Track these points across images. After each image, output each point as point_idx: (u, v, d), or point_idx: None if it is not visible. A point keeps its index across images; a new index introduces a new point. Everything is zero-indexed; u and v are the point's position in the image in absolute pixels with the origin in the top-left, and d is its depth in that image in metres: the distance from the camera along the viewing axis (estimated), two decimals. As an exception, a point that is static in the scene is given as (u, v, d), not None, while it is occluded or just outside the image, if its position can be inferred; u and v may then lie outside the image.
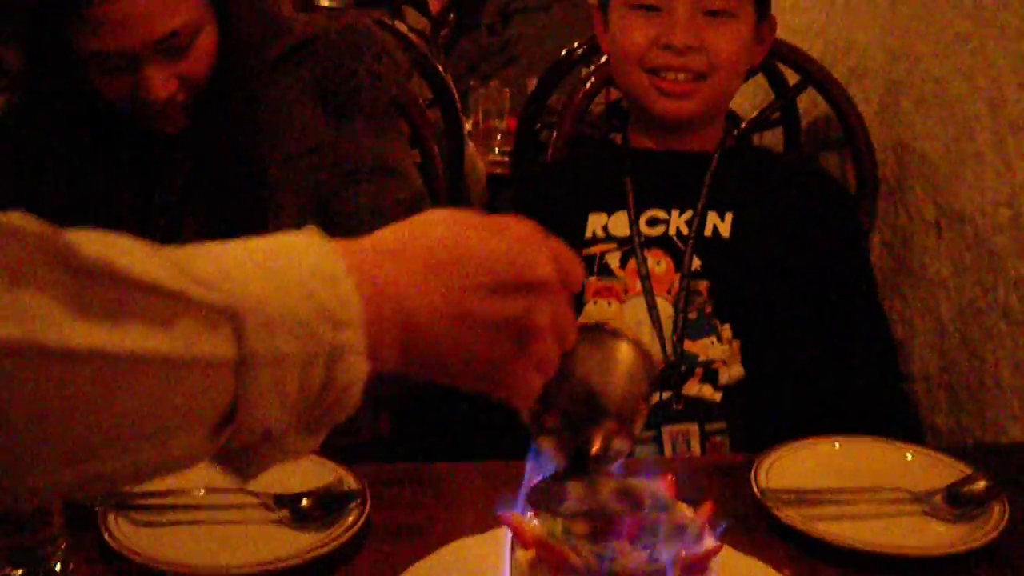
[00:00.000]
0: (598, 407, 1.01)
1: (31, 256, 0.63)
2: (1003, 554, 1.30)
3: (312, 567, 1.23)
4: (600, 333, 1.03)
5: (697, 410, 1.81)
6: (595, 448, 1.00)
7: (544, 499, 1.00)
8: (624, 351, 1.03)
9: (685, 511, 1.05)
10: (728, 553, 1.17)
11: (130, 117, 1.65)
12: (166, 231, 1.72)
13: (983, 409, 2.12)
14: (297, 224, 0.79)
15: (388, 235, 0.86)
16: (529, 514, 1.05)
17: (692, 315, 1.83)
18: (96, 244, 0.66)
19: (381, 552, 1.29)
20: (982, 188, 2.11)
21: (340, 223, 1.73)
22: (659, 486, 1.07)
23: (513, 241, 0.88)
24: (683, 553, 0.99)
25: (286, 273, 0.74)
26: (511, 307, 0.86)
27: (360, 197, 1.74)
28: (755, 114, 2.63)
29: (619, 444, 1.03)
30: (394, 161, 1.82)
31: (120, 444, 0.66)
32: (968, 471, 1.41)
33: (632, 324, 1.84)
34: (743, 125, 2.54)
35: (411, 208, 1.81)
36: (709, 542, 1.03)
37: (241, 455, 0.74)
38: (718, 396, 1.82)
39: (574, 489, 1.01)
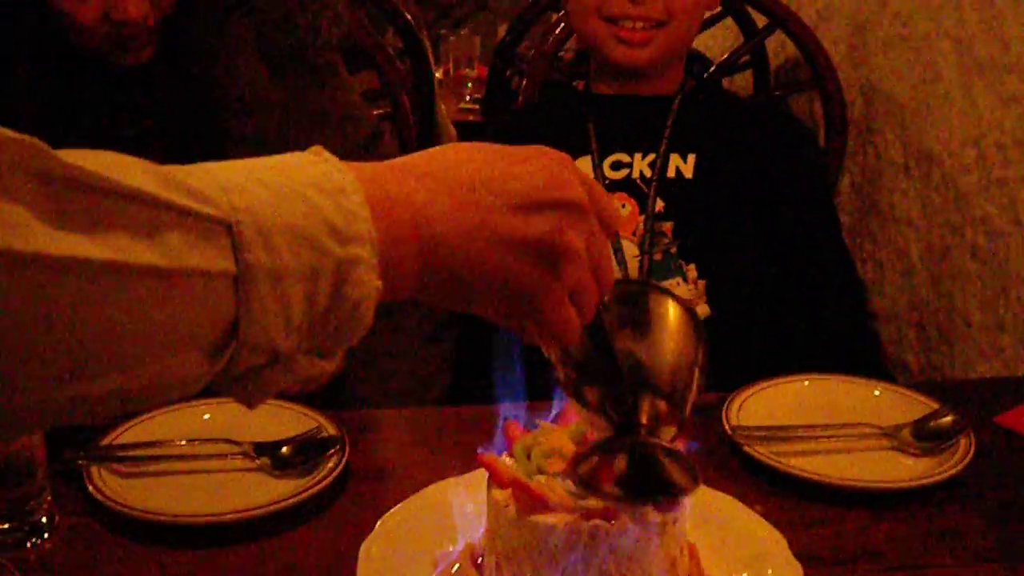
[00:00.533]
0: (644, 381, 0.94)
1: (4, 164, 0.59)
2: (969, 486, 1.33)
3: (293, 512, 1.25)
4: (644, 291, 0.96)
5: None
6: (641, 428, 0.93)
7: (586, 472, 0.93)
8: (673, 313, 0.97)
9: (657, 448, 1.07)
10: (700, 489, 1.19)
11: (93, 50, 1.63)
12: None
13: (952, 347, 2.15)
14: None
15: (407, 158, 0.81)
16: (505, 455, 1.07)
17: (657, 256, 1.86)
18: (76, 155, 0.62)
19: (361, 496, 1.31)
20: (949, 128, 2.12)
21: None
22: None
23: (544, 164, 0.83)
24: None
25: (287, 186, 0.69)
26: (540, 224, 0.80)
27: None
28: (724, 57, 2.64)
29: (669, 423, 0.96)
30: (342, 108, 1.82)
31: (111, 362, 0.62)
32: (935, 406, 1.44)
33: None
34: (712, 68, 2.55)
35: (370, 145, 1.83)
36: (681, 478, 1.05)
37: (247, 378, 0.70)
38: None
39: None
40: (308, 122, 1.76)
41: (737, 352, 1.83)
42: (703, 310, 1.84)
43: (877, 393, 1.52)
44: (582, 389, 0.94)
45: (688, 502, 1.04)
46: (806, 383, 1.53)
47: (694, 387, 0.97)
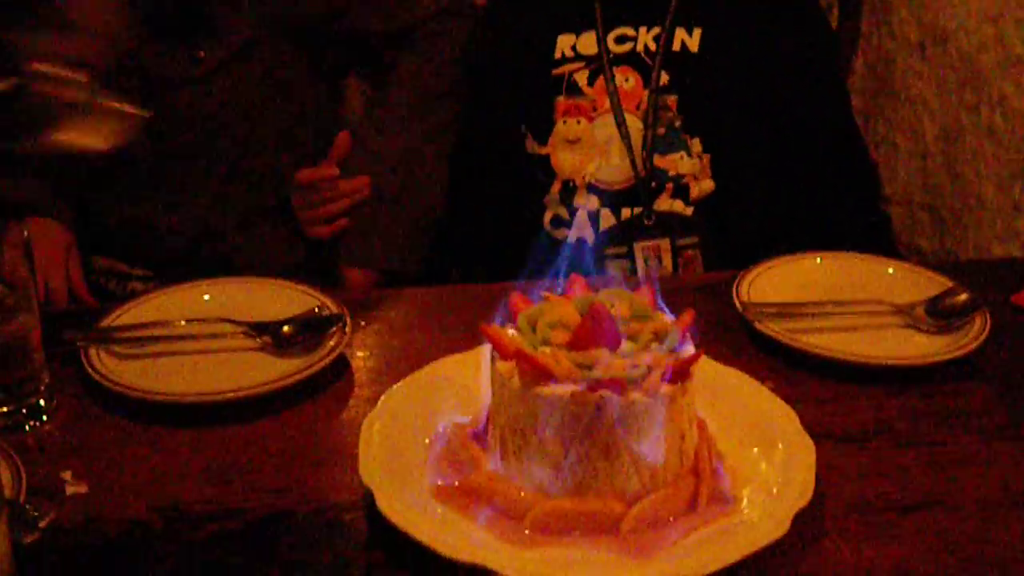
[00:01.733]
0: None
1: None
2: (984, 364, 1.31)
3: (295, 391, 1.23)
4: None
5: (669, 225, 1.82)
6: None
7: None
8: None
9: (666, 319, 1.05)
10: (711, 365, 1.17)
11: None
12: None
13: (966, 230, 2.12)
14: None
15: None
16: (509, 327, 1.05)
17: (661, 130, 1.83)
18: None
19: (364, 374, 1.30)
20: (966, 5, 2.07)
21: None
22: (639, 295, 1.07)
23: None
24: (664, 360, 0.99)
25: None
26: None
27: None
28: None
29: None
30: None
31: None
32: (950, 284, 1.41)
33: (602, 141, 1.84)
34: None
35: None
36: (689, 349, 1.03)
37: None
38: (689, 211, 1.83)
39: None
40: None
41: (745, 229, 1.81)
42: (707, 185, 1.82)
43: (891, 271, 1.49)
44: None
45: (697, 372, 1.02)
46: (818, 260, 1.51)
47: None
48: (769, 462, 1.08)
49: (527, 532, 0.99)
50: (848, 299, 1.40)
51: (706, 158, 1.82)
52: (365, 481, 1.02)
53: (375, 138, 1.92)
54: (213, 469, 1.12)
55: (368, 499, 1.02)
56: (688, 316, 1.04)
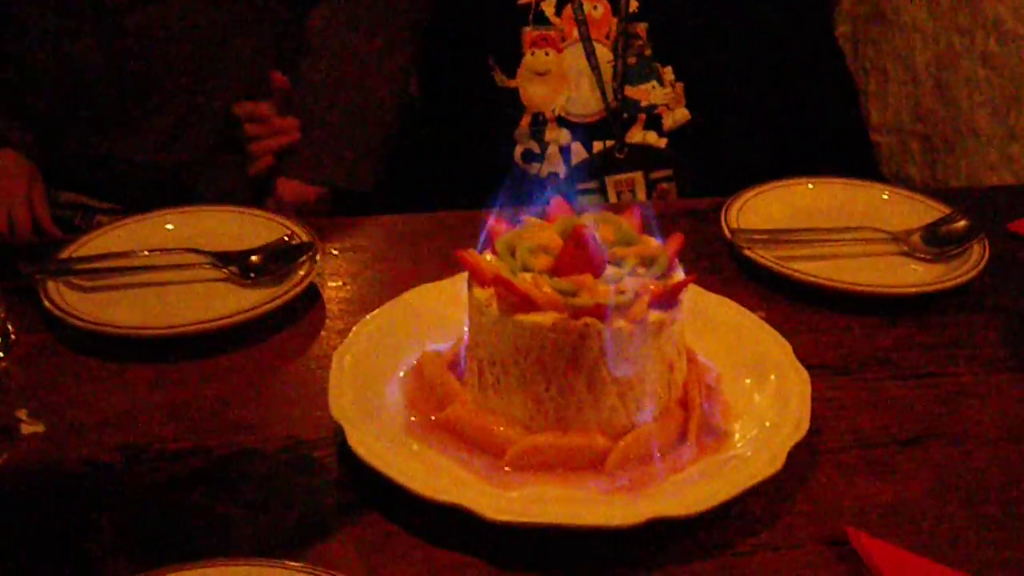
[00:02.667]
0: None
1: None
2: (982, 294, 1.27)
3: (263, 322, 1.19)
4: None
5: (642, 158, 1.79)
6: None
7: None
8: None
9: (653, 244, 1.00)
10: (699, 293, 1.13)
11: None
12: None
13: (959, 158, 2.09)
14: None
15: None
16: (487, 252, 1.00)
17: (632, 60, 1.79)
18: None
19: (335, 304, 1.25)
20: (960, -77, 2.03)
21: None
22: (625, 219, 1.02)
23: None
24: (651, 286, 0.94)
25: None
26: None
27: None
28: None
29: None
30: None
31: None
32: (946, 211, 1.37)
33: (571, 73, 1.80)
34: None
35: None
36: (679, 275, 0.98)
37: None
38: (663, 142, 1.79)
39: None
40: None
41: (720, 160, 1.78)
42: (681, 115, 1.78)
43: (885, 197, 1.45)
44: None
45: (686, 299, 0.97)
46: (810, 186, 1.46)
47: None
48: (762, 394, 1.04)
49: (507, 470, 0.95)
50: (841, 226, 1.35)
51: (679, 87, 1.79)
52: (335, 416, 0.98)
53: (329, 55, 1.85)
54: (177, 406, 1.08)
55: (339, 436, 0.97)
56: (677, 240, 0.99)
